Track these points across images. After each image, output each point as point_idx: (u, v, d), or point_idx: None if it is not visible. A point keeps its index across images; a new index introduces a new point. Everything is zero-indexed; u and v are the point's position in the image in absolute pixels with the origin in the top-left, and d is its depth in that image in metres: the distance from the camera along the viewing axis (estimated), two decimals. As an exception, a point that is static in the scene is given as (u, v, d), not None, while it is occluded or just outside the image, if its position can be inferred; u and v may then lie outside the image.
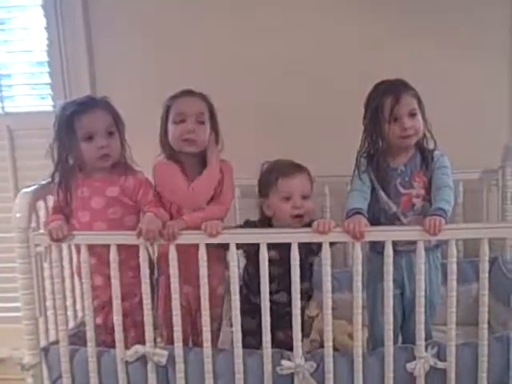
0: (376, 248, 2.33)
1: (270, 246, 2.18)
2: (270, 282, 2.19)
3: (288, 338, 2.24)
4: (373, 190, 2.38)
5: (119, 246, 2.22)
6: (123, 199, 2.37)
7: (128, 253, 2.25)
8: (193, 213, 2.31)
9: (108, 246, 2.22)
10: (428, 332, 2.27)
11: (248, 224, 2.42)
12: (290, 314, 2.19)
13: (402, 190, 2.36)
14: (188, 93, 2.43)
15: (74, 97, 3.02)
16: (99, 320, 2.38)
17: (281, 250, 2.26)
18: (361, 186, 2.36)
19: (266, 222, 2.39)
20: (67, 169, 2.38)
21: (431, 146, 2.40)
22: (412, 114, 2.31)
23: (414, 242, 2.16)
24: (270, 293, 2.20)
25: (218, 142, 2.45)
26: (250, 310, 2.31)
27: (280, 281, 2.31)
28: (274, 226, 2.37)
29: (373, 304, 2.43)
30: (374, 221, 2.29)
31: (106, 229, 2.34)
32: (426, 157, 2.37)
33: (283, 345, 2.26)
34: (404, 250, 2.30)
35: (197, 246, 2.17)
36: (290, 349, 2.20)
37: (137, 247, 2.21)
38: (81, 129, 2.31)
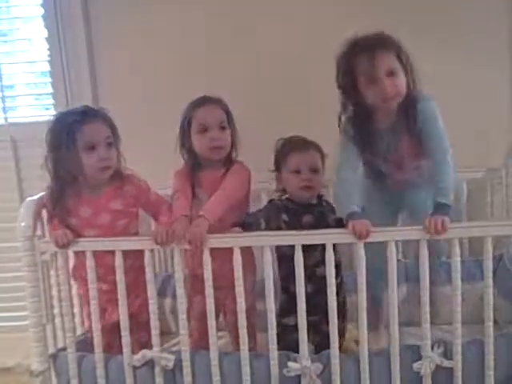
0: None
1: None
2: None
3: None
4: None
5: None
6: (128, 209, 2.40)
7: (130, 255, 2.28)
8: (208, 206, 2.29)
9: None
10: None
11: (271, 203, 2.47)
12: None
13: (387, 153, 2.34)
14: (206, 101, 2.45)
15: (76, 106, 3.08)
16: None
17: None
18: (349, 163, 2.33)
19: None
20: (64, 182, 2.34)
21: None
22: (392, 73, 2.20)
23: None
24: (313, 266, 2.22)
25: (237, 143, 2.50)
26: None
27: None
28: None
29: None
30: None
31: None
32: (412, 114, 2.26)
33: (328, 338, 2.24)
34: None
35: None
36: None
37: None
38: (82, 139, 2.28)
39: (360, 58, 2.19)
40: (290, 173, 2.39)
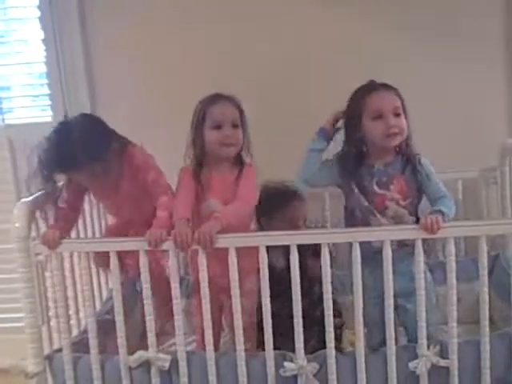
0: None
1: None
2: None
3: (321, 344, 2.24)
4: (347, 184, 2.37)
5: None
6: (133, 190, 2.43)
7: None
8: (224, 210, 2.29)
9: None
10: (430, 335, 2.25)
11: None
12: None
13: (377, 190, 2.32)
14: (221, 98, 2.44)
15: (73, 107, 3.08)
16: None
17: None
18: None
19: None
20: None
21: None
22: (397, 114, 2.27)
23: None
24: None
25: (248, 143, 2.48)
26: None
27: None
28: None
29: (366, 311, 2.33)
30: (349, 213, 2.34)
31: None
32: (409, 161, 2.33)
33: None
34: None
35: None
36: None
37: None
38: None
39: (371, 95, 2.27)
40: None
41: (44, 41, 3.21)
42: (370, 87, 2.31)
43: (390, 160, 2.34)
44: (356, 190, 2.34)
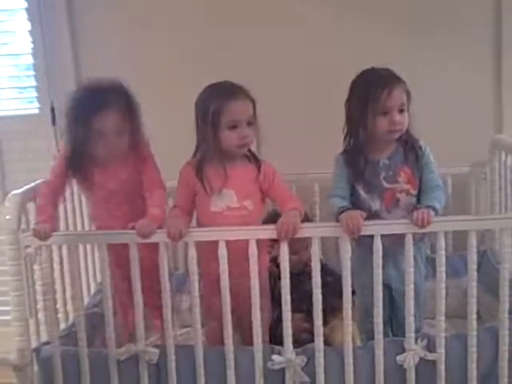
0: (361, 242, 2.29)
1: None
2: None
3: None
4: (352, 187, 2.35)
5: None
6: (133, 176, 2.39)
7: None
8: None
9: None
10: (418, 328, 2.27)
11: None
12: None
13: (385, 185, 2.31)
14: (237, 92, 2.29)
15: (60, 99, 3.02)
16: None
17: None
18: (339, 191, 2.32)
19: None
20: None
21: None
22: (401, 110, 2.26)
23: (400, 240, 2.16)
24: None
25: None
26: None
27: None
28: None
29: (361, 299, 2.41)
30: None
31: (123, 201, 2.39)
32: (411, 149, 2.33)
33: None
34: (389, 246, 2.23)
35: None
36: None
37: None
38: (95, 127, 2.27)
39: (377, 88, 2.23)
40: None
41: (31, 32, 3.19)
42: (384, 80, 2.25)
43: (392, 151, 2.34)
44: (363, 193, 2.33)
